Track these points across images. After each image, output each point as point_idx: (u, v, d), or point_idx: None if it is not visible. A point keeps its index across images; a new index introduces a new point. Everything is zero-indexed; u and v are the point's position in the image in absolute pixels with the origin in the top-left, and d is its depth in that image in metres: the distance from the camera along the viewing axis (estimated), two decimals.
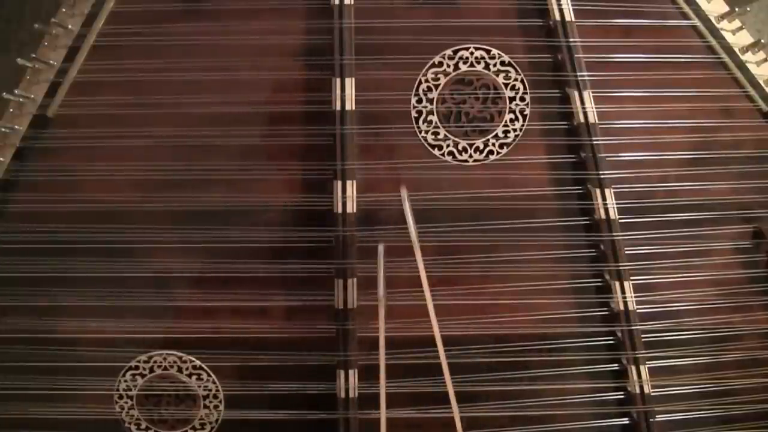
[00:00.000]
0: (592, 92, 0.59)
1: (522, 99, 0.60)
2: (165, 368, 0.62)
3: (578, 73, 0.59)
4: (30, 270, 0.60)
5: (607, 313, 0.62)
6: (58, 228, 0.59)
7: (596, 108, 0.59)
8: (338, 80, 0.58)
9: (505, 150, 0.60)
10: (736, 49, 0.60)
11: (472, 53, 0.59)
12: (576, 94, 0.59)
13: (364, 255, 0.60)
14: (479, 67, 0.59)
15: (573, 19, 0.59)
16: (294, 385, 0.61)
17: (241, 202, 0.60)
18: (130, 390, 0.62)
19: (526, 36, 0.60)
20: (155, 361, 0.61)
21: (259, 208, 0.60)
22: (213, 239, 0.60)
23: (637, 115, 0.61)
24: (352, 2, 0.58)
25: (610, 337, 0.62)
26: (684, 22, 0.60)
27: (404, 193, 0.48)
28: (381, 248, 0.49)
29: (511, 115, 0.60)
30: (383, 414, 0.49)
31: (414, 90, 0.59)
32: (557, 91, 0.60)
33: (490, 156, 0.60)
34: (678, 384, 0.63)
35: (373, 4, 0.58)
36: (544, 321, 0.62)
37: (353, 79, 0.58)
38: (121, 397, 0.62)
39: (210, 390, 0.62)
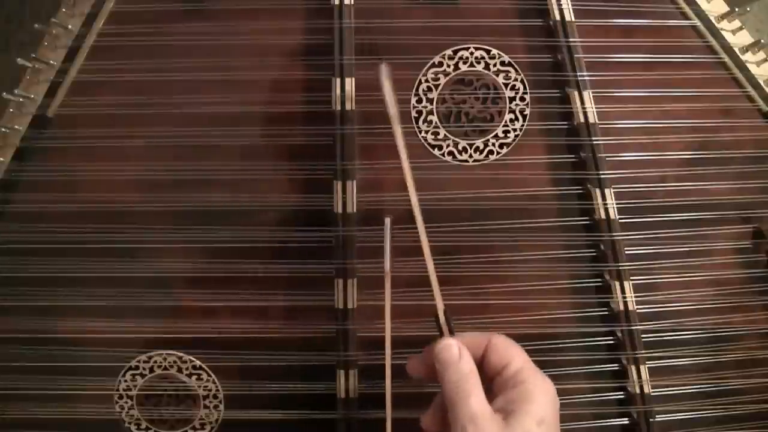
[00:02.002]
0: (592, 92, 0.59)
1: (522, 99, 0.60)
2: (165, 368, 0.62)
3: (578, 73, 0.59)
4: (30, 270, 0.60)
5: (607, 313, 0.62)
6: (58, 228, 0.59)
7: (596, 108, 0.59)
8: (338, 80, 0.58)
9: (505, 150, 0.60)
10: (736, 49, 0.60)
11: (472, 53, 0.59)
12: (576, 94, 0.59)
13: (364, 255, 0.60)
14: (479, 67, 0.59)
15: (573, 19, 0.59)
16: (294, 385, 0.61)
17: (241, 202, 0.60)
18: (130, 390, 0.62)
19: (526, 36, 0.60)
20: (155, 361, 0.61)
21: (259, 208, 0.60)
22: (213, 239, 0.60)
23: (637, 115, 0.61)
24: (352, 2, 0.58)
25: (610, 337, 0.62)
26: (684, 22, 0.60)
27: (385, 70, 0.46)
28: (387, 221, 0.48)
29: (511, 115, 0.60)
30: (388, 378, 0.49)
31: (414, 90, 0.59)
32: (557, 91, 0.60)
33: (490, 156, 0.60)
34: (678, 384, 0.63)
35: (373, 4, 0.58)
36: (544, 321, 0.62)
37: (353, 79, 0.58)
38: (121, 397, 0.62)
39: (210, 390, 0.62)
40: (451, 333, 0.48)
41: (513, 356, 0.47)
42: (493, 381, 0.47)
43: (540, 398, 0.45)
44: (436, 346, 0.47)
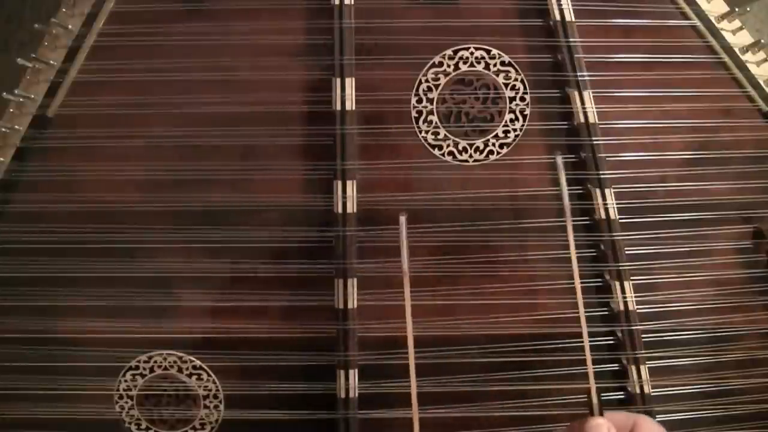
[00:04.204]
0: (592, 92, 0.59)
1: (522, 99, 0.60)
2: (165, 368, 0.62)
3: (578, 73, 0.59)
4: (30, 270, 0.60)
5: (607, 313, 0.62)
6: (58, 228, 0.59)
7: (596, 108, 0.59)
8: (338, 80, 0.58)
9: (505, 150, 0.60)
10: (736, 49, 0.60)
11: (472, 53, 0.59)
12: (576, 94, 0.59)
13: (364, 255, 0.60)
14: (479, 67, 0.59)
15: (573, 19, 0.59)
16: (294, 385, 0.61)
17: (241, 202, 0.60)
18: (131, 390, 0.62)
19: (526, 36, 0.60)
20: (155, 361, 0.61)
21: (259, 208, 0.60)
22: (213, 239, 0.60)
23: (637, 115, 0.61)
24: (352, 2, 0.58)
25: (611, 337, 0.62)
26: (684, 22, 0.60)
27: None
28: (403, 219, 0.49)
29: (511, 115, 0.60)
30: (413, 379, 0.49)
31: (414, 90, 0.59)
32: (557, 91, 0.60)
33: (491, 156, 0.60)
34: (678, 384, 0.63)
35: (373, 4, 0.58)
36: (544, 321, 0.62)
37: (353, 79, 0.58)
38: (121, 397, 0.62)
39: (210, 390, 0.62)
40: (601, 412, 0.49)
41: None
42: None
43: None
44: (587, 424, 0.47)
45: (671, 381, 0.63)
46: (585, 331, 0.49)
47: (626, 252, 0.61)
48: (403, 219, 0.49)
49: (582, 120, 0.59)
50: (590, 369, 0.49)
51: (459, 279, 0.61)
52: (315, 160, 0.59)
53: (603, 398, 0.62)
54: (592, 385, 0.49)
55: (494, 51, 0.59)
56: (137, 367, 0.62)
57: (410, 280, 0.58)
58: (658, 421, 0.62)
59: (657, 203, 0.61)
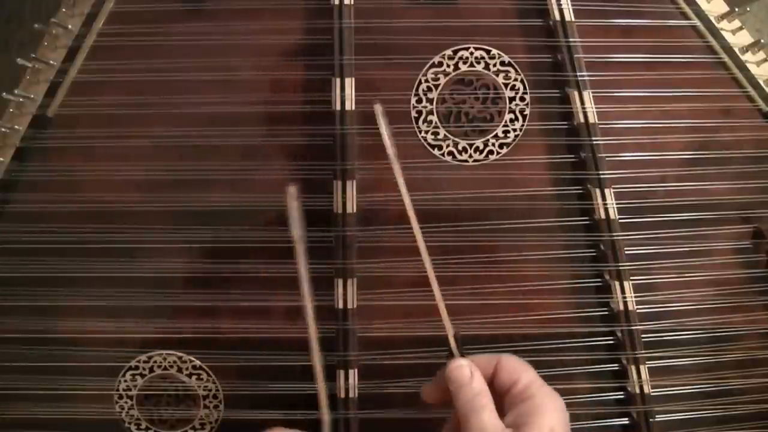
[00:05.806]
0: (592, 92, 0.59)
1: (522, 99, 0.60)
2: (165, 368, 0.62)
3: (578, 73, 0.59)
4: (30, 270, 0.60)
5: (607, 313, 0.62)
6: (58, 228, 0.59)
7: (596, 108, 0.59)
8: (338, 80, 0.58)
9: (505, 150, 0.60)
10: (736, 49, 0.60)
11: (472, 53, 0.59)
12: (576, 94, 0.59)
13: (364, 255, 0.60)
14: (479, 67, 0.59)
15: (573, 19, 0.59)
16: (294, 385, 0.61)
17: (241, 202, 0.60)
18: (130, 390, 0.62)
19: (526, 36, 0.60)
20: (155, 361, 0.61)
21: (259, 208, 0.60)
22: (213, 239, 0.60)
23: (637, 115, 0.61)
24: (352, 2, 0.58)
25: (610, 337, 0.62)
26: (684, 22, 0.60)
27: (380, 109, 0.49)
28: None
29: (511, 115, 0.60)
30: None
31: (414, 90, 0.59)
32: (557, 91, 0.60)
33: (490, 156, 0.60)
34: (678, 384, 0.63)
35: (373, 4, 0.58)
36: (544, 321, 0.62)
37: (353, 79, 0.58)
38: (121, 397, 0.62)
39: (210, 390, 0.62)
40: (462, 353, 0.50)
41: (521, 373, 0.48)
42: (503, 399, 0.49)
43: (549, 411, 0.46)
44: (448, 366, 0.48)
45: (671, 381, 0.63)
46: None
47: (626, 252, 0.61)
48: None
49: (582, 120, 0.59)
50: (443, 310, 0.50)
51: (459, 279, 0.61)
52: (315, 160, 0.59)
53: (604, 398, 0.62)
54: (449, 328, 0.50)
55: (494, 51, 0.59)
56: (137, 367, 0.62)
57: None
58: (658, 422, 0.62)
59: (657, 203, 0.61)
